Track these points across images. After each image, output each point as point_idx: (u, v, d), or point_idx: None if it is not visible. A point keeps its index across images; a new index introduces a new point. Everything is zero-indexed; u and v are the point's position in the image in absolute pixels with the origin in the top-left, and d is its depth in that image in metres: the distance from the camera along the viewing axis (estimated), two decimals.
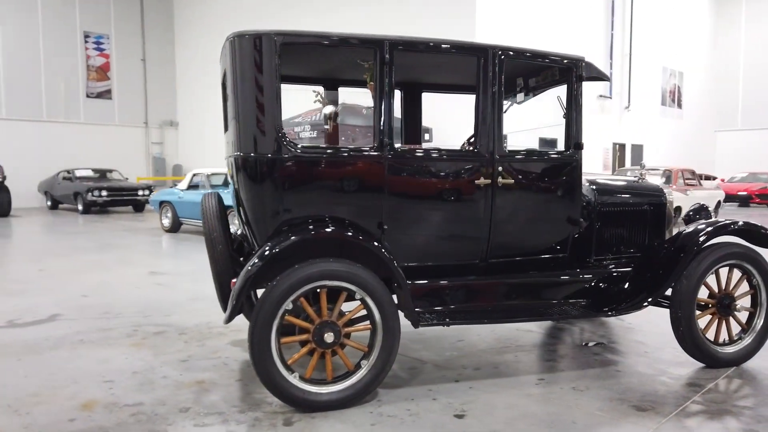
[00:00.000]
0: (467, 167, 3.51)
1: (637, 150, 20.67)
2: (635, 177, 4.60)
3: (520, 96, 4.49)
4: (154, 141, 24.77)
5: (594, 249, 4.07)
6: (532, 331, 4.81)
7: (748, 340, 3.95)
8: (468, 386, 3.58)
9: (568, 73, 3.75)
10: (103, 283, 6.84)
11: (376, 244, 3.23)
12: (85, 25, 22.54)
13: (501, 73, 3.52)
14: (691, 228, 4.00)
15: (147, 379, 3.66)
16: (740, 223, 4.02)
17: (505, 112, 4.75)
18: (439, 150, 3.51)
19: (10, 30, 20.65)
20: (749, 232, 4.08)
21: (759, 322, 3.98)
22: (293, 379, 3.14)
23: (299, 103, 4.94)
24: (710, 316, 3.97)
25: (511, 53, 3.55)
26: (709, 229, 3.89)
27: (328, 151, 3.30)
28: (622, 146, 20.12)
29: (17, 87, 20.86)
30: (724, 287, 3.95)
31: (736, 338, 3.97)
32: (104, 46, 23.08)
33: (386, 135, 3.33)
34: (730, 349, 3.91)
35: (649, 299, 3.72)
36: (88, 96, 22.75)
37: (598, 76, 3.85)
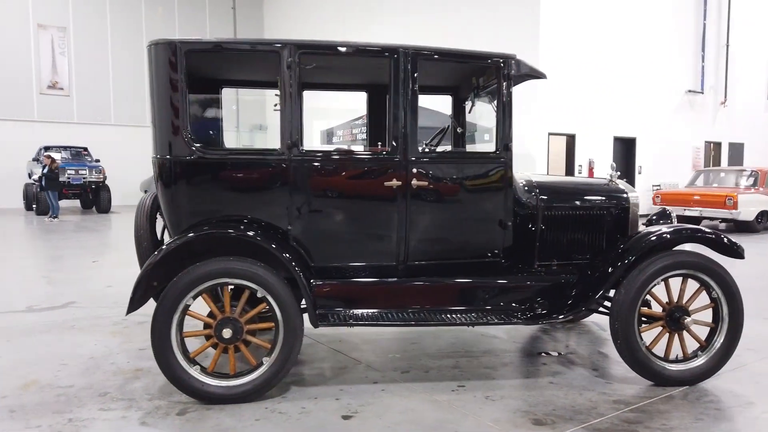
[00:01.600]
0: (378, 169, 3.49)
1: (737, 149, 18.90)
2: (606, 179, 4.31)
3: (478, 96, 4.37)
4: (245, 144, 26.20)
5: (537, 254, 3.88)
6: (498, 337, 4.65)
7: (703, 358, 3.59)
8: (381, 389, 3.56)
9: (497, 72, 3.61)
10: (135, 275, 7.39)
11: (262, 240, 3.28)
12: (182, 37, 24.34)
13: (414, 74, 3.46)
14: (641, 233, 3.71)
15: (96, 365, 3.98)
16: (702, 229, 3.68)
17: (469, 112, 4.68)
18: (348, 151, 3.52)
19: (118, 45, 22.80)
20: (715, 241, 3.70)
21: (719, 340, 3.60)
22: (194, 372, 3.30)
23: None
24: (661, 329, 3.66)
25: (425, 54, 3.48)
26: (658, 235, 3.60)
27: (233, 152, 3.43)
28: (718, 145, 18.49)
29: (124, 96, 22.99)
30: (676, 299, 3.63)
31: (691, 356, 3.63)
32: None
33: (292, 137, 3.40)
34: (679, 367, 3.57)
35: (569, 312, 3.52)
36: None
37: (532, 74, 3.67)
